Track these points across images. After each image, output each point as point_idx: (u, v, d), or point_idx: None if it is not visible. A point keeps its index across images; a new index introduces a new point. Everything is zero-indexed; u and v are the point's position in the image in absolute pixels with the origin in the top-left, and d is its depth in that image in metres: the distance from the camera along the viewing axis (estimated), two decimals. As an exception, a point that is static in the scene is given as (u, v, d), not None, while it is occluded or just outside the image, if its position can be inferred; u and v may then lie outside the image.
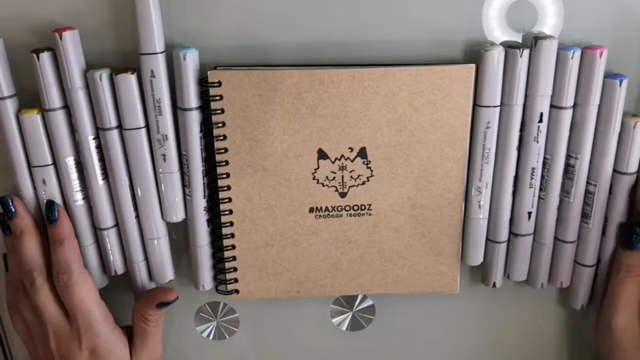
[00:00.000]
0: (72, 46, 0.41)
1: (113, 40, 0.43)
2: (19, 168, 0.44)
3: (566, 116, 0.43)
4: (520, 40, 0.44)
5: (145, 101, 0.43)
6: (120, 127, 0.43)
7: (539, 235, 0.47)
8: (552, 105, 0.43)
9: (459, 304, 0.52)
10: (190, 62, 0.42)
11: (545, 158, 0.45)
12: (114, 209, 0.46)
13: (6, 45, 0.42)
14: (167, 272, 0.48)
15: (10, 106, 0.43)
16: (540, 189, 0.46)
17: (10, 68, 0.42)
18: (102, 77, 0.41)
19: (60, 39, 0.40)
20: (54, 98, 0.42)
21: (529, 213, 0.46)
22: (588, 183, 0.45)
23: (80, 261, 0.45)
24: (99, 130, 0.43)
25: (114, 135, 0.43)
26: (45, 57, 0.41)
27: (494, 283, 0.49)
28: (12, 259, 0.45)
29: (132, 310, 0.47)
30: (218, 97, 0.43)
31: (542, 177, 0.45)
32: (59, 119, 0.43)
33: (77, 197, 0.45)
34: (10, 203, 0.44)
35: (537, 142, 0.44)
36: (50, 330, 0.44)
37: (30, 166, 0.44)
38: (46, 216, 0.44)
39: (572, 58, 0.42)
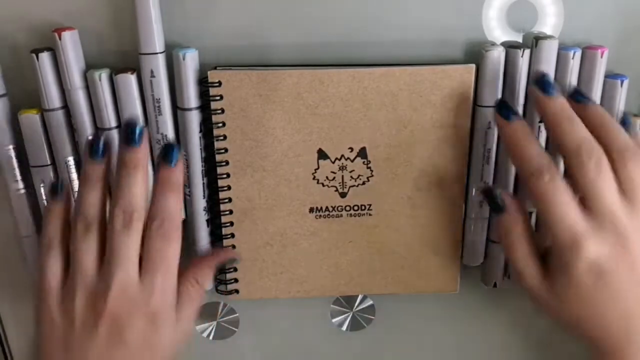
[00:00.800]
0: (71, 46, 0.41)
1: (113, 40, 0.43)
2: (8, 168, 0.44)
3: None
4: (520, 41, 0.44)
5: (145, 101, 0.43)
6: (120, 127, 0.43)
7: (538, 235, 0.47)
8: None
9: (459, 304, 0.52)
10: (190, 62, 0.42)
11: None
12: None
13: (4, 45, 0.42)
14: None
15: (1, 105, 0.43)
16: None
17: (10, 68, 0.42)
18: (102, 77, 0.41)
19: (60, 39, 0.40)
20: (53, 98, 0.42)
21: (530, 213, 0.46)
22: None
23: (180, 219, 0.39)
24: (99, 130, 0.43)
25: (114, 135, 0.43)
26: (45, 57, 0.41)
27: (495, 283, 0.49)
28: (89, 195, 0.38)
29: (179, 278, 0.40)
30: (218, 97, 0.43)
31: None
32: (59, 119, 0.43)
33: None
34: (140, 129, 0.38)
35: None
36: (115, 281, 0.37)
37: (29, 166, 0.44)
38: (162, 156, 0.39)
39: (572, 58, 0.42)
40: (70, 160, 0.44)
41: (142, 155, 0.38)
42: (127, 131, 0.38)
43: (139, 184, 0.38)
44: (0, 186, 0.46)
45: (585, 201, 0.38)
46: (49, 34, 0.41)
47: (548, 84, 0.39)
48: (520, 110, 0.43)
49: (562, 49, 0.42)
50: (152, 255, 0.38)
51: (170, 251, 0.38)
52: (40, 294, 0.38)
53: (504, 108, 0.40)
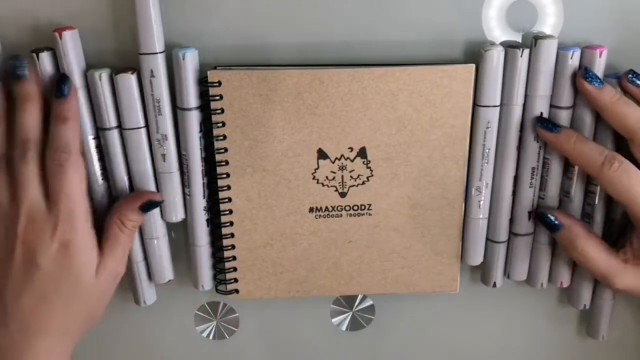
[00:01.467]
0: (72, 46, 0.41)
1: (113, 40, 0.43)
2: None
3: (566, 116, 0.43)
4: (520, 40, 0.44)
5: (144, 101, 0.43)
6: (119, 127, 0.43)
7: (538, 234, 0.47)
8: (551, 105, 0.43)
9: (459, 304, 0.52)
10: (190, 62, 0.42)
11: (545, 158, 0.45)
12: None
13: (5, 45, 0.42)
14: (166, 272, 0.48)
15: None
16: (540, 189, 0.46)
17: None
18: (102, 77, 0.41)
19: (60, 38, 0.40)
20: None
21: (529, 212, 0.46)
22: (590, 183, 0.45)
23: (79, 146, 0.41)
24: (99, 130, 0.43)
25: (114, 135, 0.43)
26: (45, 56, 0.41)
27: (494, 283, 0.49)
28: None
29: (107, 218, 0.44)
30: (218, 97, 0.43)
31: (542, 176, 0.45)
32: None
33: None
34: (24, 64, 0.41)
35: (538, 141, 0.44)
36: (23, 210, 0.40)
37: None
38: (55, 89, 0.41)
39: (571, 58, 0.42)
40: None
41: (31, 86, 0.40)
42: (15, 66, 0.40)
43: (32, 113, 0.40)
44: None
45: None
46: (49, 33, 0.41)
47: (595, 76, 0.41)
48: (519, 109, 0.43)
49: (561, 49, 0.42)
50: (51, 183, 0.40)
51: (69, 178, 0.40)
52: None
53: (545, 123, 0.43)
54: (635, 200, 0.41)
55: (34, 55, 0.41)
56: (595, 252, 0.43)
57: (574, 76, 0.42)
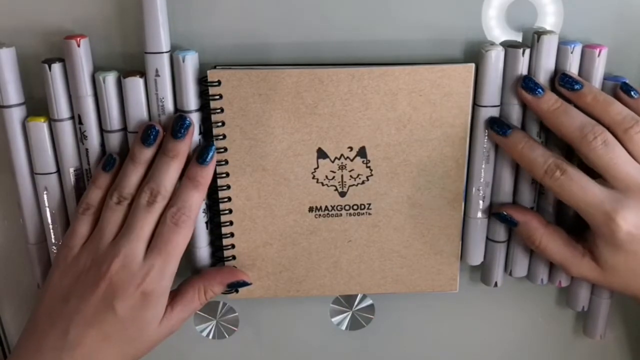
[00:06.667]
0: (84, 53, 0.41)
1: (118, 43, 0.43)
2: (20, 175, 0.44)
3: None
4: (519, 39, 0.44)
5: (149, 101, 0.43)
6: (125, 129, 0.43)
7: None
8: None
9: (458, 303, 0.52)
10: (190, 64, 0.42)
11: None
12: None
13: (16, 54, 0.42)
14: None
15: (17, 114, 0.43)
16: (540, 187, 0.46)
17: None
18: (110, 80, 0.42)
19: (79, 46, 0.41)
20: (62, 108, 0.43)
21: (532, 209, 0.46)
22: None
23: (199, 212, 0.43)
24: (103, 133, 0.43)
25: (118, 138, 0.43)
26: (57, 67, 0.42)
27: (496, 282, 0.49)
28: (131, 174, 0.42)
29: (190, 280, 0.45)
30: (217, 97, 0.43)
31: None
32: (66, 129, 0.43)
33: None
34: (187, 124, 0.42)
35: (540, 138, 0.44)
36: (122, 252, 0.40)
37: (33, 173, 0.44)
38: (198, 155, 0.42)
39: (572, 52, 0.42)
40: (72, 170, 0.44)
41: (183, 147, 0.42)
42: (177, 124, 0.42)
43: (173, 171, 0.42)
44: (4, 193, 0.46)
45: (605, 178, 0.40)
46: (56, 41, 0.41)
47: (534, 84, 0.42)
48: (519, 109, 0.43)
49: (562, 43, 0.42)
50: (160, 237, 0.41)
51: (178, 239, 0.41)
52: (61, 249, 0.43)
53: (496, 124, 0.43)
54: (579, 206, 0.41)
55: (47, 66, 0.41)
56: (552, 245, 0.44)
57: (553, 79, 0.42)
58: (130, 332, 0.41)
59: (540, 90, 0.41)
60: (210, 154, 0.42)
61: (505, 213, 0.45)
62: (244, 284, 0.46)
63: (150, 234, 0.41)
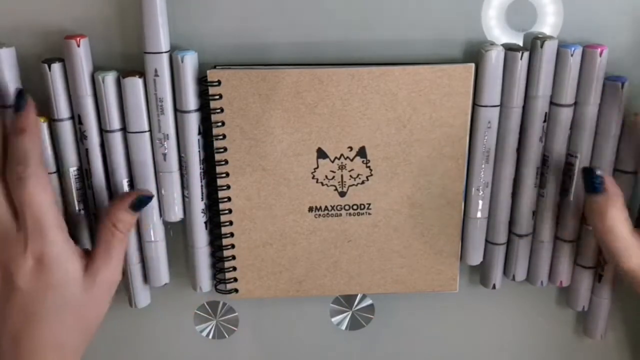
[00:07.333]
0: (84, 53, 0.41)
1: (118, 43, 0.43)
2: None
3: (566, 114, 0.43)
4: (519, 40, 0.44)
5: (148, 101, 0.43)
6: (123, 129, 0.43)
7: (538, 233, 0.47)
8: (552, 103, 0.43)
9: (458, 303, 0.52)
10: (189, 64, 0.42)
11: (544, 156, 0.45)
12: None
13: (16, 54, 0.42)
14: (162, 275, 0.48)
15: None
16: (540, 187, 0.46)
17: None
18: (106, 80, 0.42)
19: (79, 46, 0.41)
20: (62, 108, 0.42)
21: (534, 212, 0.46)
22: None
23: (40, 156, 0.40)
24: (103, 133, 0.43)
25: (117, 137, 0.43)
26: (57, 67, 0.41)
27: (494, 285, 0.49)
28: None
29: (98, 226, 0.43)
30: (217, 96, 0.43)
31: (542, 174, 0.45)
32: (66, 129, 0.43)
33: (79, 207, 0.45)
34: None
35: (542, 141, 0.44)
36: None
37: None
38: (14, 104, 0.40)
39: (572, 55, 0.42)
40: (74, 170, 0.44)
41: None
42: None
43: None
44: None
45: None
46: (55, 41, 0.41)
47: (598, 180, 0.41)
48: (519, 111, 0.43)
49: (562, 46, 0.42)
50: (15, 199, 0.39)
51: (29, 190, 0.38)
52: None
53: (592, 179, 0.42)
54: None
55: (46, 66, 0.41)
56: (621, 228, 0.41)
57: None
58: (52, 303, 0.39)
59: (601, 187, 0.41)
60: (22, 99, 0.40)
61: (598, 173, 0.41)
62: (145, 198, 0.43)
63: (5, 200, 0.39)
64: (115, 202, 0.43)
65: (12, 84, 0.42)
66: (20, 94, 0.40)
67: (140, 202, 0.43)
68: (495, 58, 0.42)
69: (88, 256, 0.42)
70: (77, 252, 0.41)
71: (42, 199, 0.39)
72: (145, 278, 0.48)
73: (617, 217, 0.41)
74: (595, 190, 0.42)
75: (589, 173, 0.42)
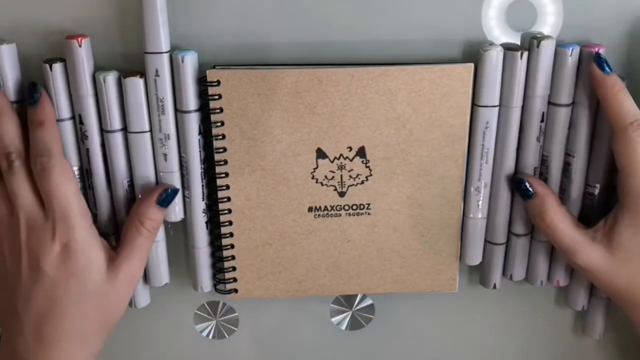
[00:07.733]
0: (86, 53, 0.41)
1: (118, 43, 0.43)
2: None
3: (564, 114, 0.43)
4: (519, 40, 0.44)
5: (149, 102, 0.43)
6: (124, 129, 0.44)
7: (537, 233, 0.47)
8: (550, 103, 0.43)
9: (458, 303, 0.52)
10: (189, 64, 0.42)
11: (543, 155, 0.45)
12: (114, 213, 0.46)
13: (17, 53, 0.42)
14: (162, 276, 0.48)
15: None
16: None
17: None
18: (107, 80, 0.42)
19: (80, 46, 0.41)
20: (63, 109, 0.43)
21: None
22: (588, 185, 0.45)
23: (60, 146, 0.42)
24: (104, 133, 0.43)
25: (118, 137, 0.43)
26: (58, 67, 0.42)
27: (494, 285, 0.49)
28: None
29: (125, 223, 0.44)
30: (217, 96, 0.43)
31: (541, 174, 0.45)
32: (67, 129, 0.43)
33: None
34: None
35: (540, 142, 0.44)
36: (22, 219, 0.41)
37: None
38: (27, 97, 0.42)
39: (570, 55, 0.42)
40: (75, 170, 0.44)
41: (2, 103, 0.41)
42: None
43: (8, 127, 0.41)
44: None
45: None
46: (56, 40, 0.42)
47: (605, 62, 0.41)
48: (518, 111, 0.43)
49: (560, 46, 0.42)
50: (42, 190, 0.40)
51: (54, 180, 0.40)
52: None
53: (602, 61, 0.42)
54: (636, 169, 0.40)
55: (48, 66, 0.41)
56: (563, 225, 0.43)
57: (576, 72, 0.42)
58: (75, 289, 0.41)
59: (609, 68, 0.41)
60: (37, 90, 0.42)
61: (525, 180, 0.44)
62: (172, 192, 0.44)
63: (32, 190, 0.41)
64: (141, 199, 0.44)
65: (12, 82, 0.42)
66: (33, 87, 0.42)
67: (167, 196, 0.44)
68: (494, 58, 0.42)
69: (113, 251, 0.43)
70: (102, 242, 0.43)
71: (67, 188, 0.41)
72: (146, 278, 0.48)
73: (554, 216, 0.43)
74: (527, 196, 0.44)
75: (516, 182, 0.44)
